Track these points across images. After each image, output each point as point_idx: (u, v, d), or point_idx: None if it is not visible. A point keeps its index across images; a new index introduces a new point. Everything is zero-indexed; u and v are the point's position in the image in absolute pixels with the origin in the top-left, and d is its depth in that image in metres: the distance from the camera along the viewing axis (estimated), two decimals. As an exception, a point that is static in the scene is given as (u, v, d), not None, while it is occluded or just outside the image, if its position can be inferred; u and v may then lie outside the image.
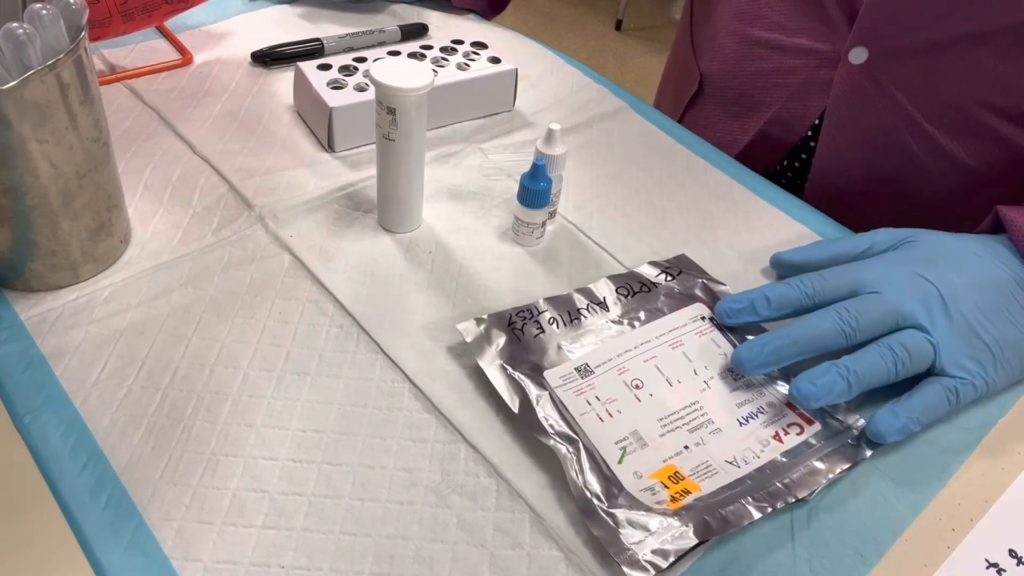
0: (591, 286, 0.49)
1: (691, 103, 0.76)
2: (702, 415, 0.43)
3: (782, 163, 0.71)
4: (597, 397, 0.43)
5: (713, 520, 0.37)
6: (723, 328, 0.48)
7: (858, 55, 0.60)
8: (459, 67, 0.63)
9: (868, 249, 0.49)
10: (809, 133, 0.67)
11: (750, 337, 0.47)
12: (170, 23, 0.70)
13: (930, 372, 0.44)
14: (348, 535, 0.37)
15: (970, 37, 0.56)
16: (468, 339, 0.44)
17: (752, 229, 0.57)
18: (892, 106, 0.61)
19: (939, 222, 0.54)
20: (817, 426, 0.43)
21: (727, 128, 0.72)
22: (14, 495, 0.36)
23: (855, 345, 0.44)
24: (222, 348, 0.44)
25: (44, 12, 0.40)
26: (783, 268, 0.52)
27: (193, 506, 0.37)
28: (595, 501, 0.38)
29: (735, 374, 0.45)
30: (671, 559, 0.35)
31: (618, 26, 2.69)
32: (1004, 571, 0.38)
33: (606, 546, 0.36)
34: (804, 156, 0.69)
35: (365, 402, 0.42)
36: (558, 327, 0.46)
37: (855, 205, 0.66)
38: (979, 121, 0.59)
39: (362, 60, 0.62)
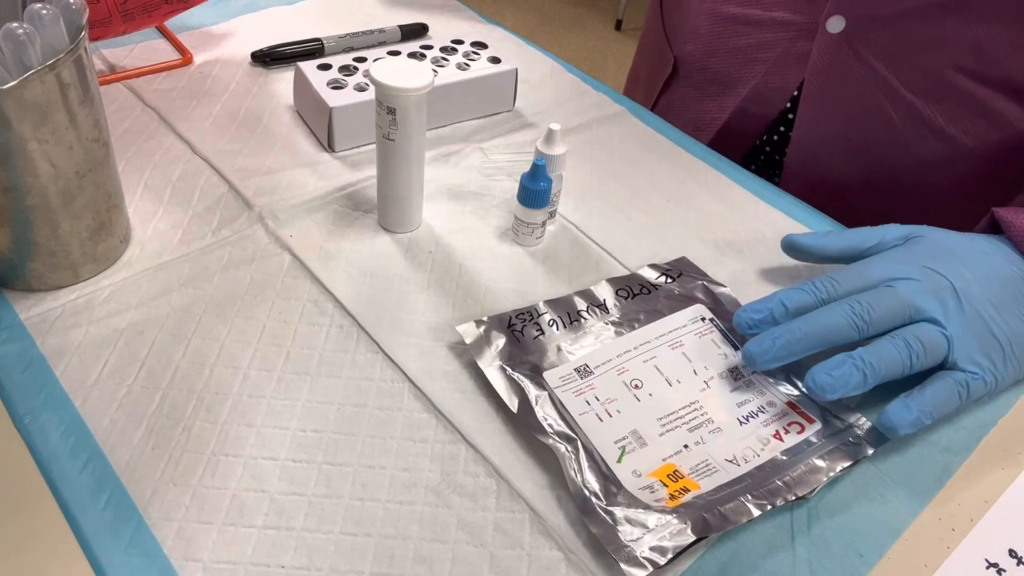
0: (591, 288, 0.49)
1: (665, 87, 0.76)
2: (702, 414, 0.43)
3: (761, 138, 0.71)
4: (596, 397, 0.43)
5: (712, 517, 0.37)
6: (723, 328, 0.48)
7: (835, 24, 0.60)
8: (459, 67, 0.63)
9: (878, 243, 0.49)
10: (788, 105, 0.67)
11: (756, 336, 0.47)
12: (170, 23, 0.70)
13: (942, 366, 0.44)
14: (348, 535, 0.37)
15: (947, 3, 0.56)
16: (467, 340, 0.44)
17: (752, 229, 0.57)
18: (870, 74, 0.61)
19: (919, 194, 0.54)
20: (818, 424, 0.43)
21: (704, 109, 0.72)
22: (14, 495, 0.36)
23: (866, 339, 0.43)
24: (222, 348, 0.44)
25: (44, 12, 0.40)
26: (794, 251, 0.52)
27: (193, 506, 0.37)
28: (593, 499, 0.38)
29: (735, 374, 0.45)
30: (669, 555, 0.35)
31: (618, 26, 2.69)
32: (1004, 571, 0.38)
33: (604, 543, 0.36)
34: (783, 129, 0.69)
35: (365, 402, 0.42)
36: (558, 329, 0.46)
37: (836, 180, 0.66)
38: (956, 87, 0.59)
39: (362, 60, 0.62)
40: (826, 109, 0.64)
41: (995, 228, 0.51)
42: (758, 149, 0.72)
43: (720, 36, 0.68)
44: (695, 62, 0.72)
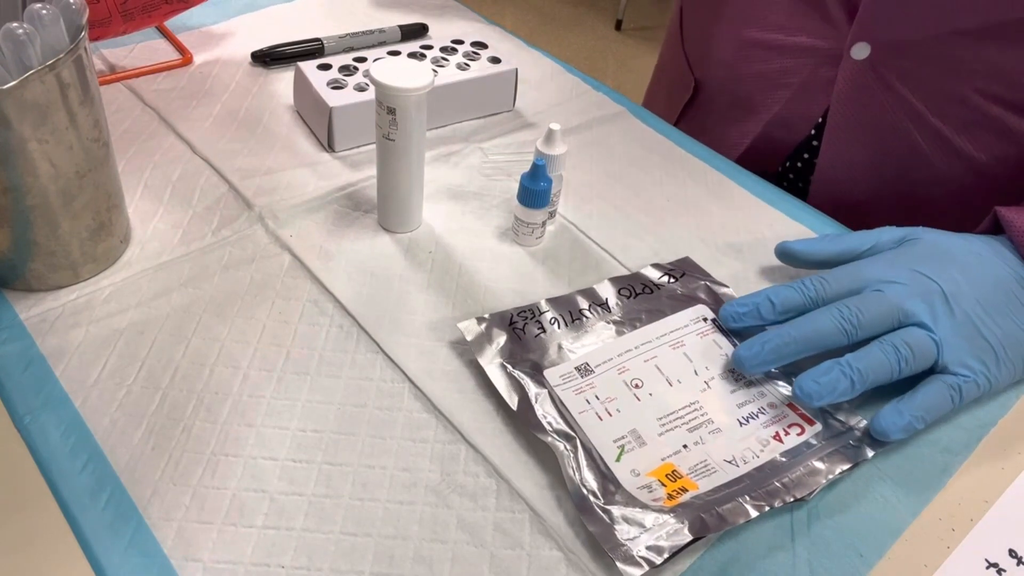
0: (593, 287, 0.49)
1: (685, 110, 0.76)
2: (702, 415, 0.43)
3: (784, 164, 0.71)
4: (596, 396, 0.43)
5: (709, 517, 0.37)
6: (724, 329, 0.48)
7: (860, 51, 0.60)
8: (459, 67, 0.63)
9: (873, 247, 0.49)
10: (812, 132, 0.67)
11: (746, 340, 0.47)
12: (170, 23, 0.70)
13: (932, 370, 0.44)
14: (348, 535, 0.37)
15: (973, 30, 0.55)
16: (469, 338, 0.45)
17: (752, 230, 0.57)
18: (897, 101, 0.61)
19: (947, 220, 0.53)
20: (818, 426, 0.43)
21: (726, 133, 0.71)
22: (14, 495, 0.36)
23: (856, 343, 0.43)
24: (222, 348, 0.44)
25: (44, 12, 0.40)
26: (788, 258, 0.52)
27: (193, 506, 0.37)
28: (591, 498, 0.38)
29: (736, 375, 0.45)
30: (666, 555, 0.35)
31: (618, 26, 2.69)
32: (1004, 571, 0.38)
33: (601, 542, 0.36)
34: (807, 156, 0.69)
35: (365, 402, 0.42)
36: (559, 327, 0.46)
37: (861, 204, 0.66)
38: (985, 113, 0.59)
39: (362, 60, 0.62)
40: (852, 135, 0.64)
41: (996, 228, 0.51)
42: (781, 176, 0.72)
43: (743, 61, 0.68)
44: (717, 86, 0.71)
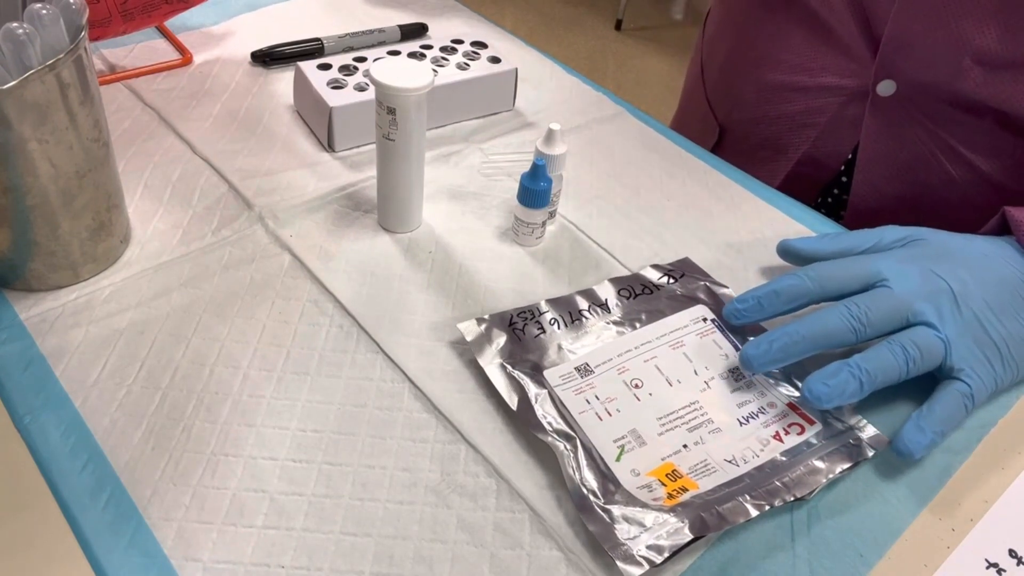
0: (593, 288, 0.49)
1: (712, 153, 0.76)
2: (702, 415, 0.43)
3: (815, 200, 0.70)
4: (596, 396, 0.43)
5: (709, 516, 0.37)
6: (725, 329, 0.48)
7: (886, 88, 0.60)
8: (459, 67, 0.63)
9: (875, 245, 0.49)
10: (841, 168, 0.67)
11: (753, 339, 0.47)
12: (170, 23, 0.70)
13: (940, 369, 0.44)
14: (348, 535, 0.37)
15: (992, 62, 0.55)
16: (469, 338, 0.45)
17: (752, 229, 0.57)
18: (927, 135, 0.60)
19: None
20: (818, 426, 0.43)
21: (755, 175, 0.71)
22: (14, 495, 0.36)
23: (863, 340, 0.43)
24: (222, 348, 0.44)
25: (44, 12, 0.40)
26: (790, 256, 0.52)
27: (193, 506, 0.37)
28: (591, 497, 0.38)
29: (736, 374, 0.45)
30: (666, 554, 0.35)
31: (618, 26, 2.69)
32: (1004, 571, 0.38)
33: (601, 541, 0.36)
34: (836, 191, 0.68)
35: (365, 402, 0.42)
36: (559, 328, 0.46)
37: None
38: (1012, 142, 0.59)
39: (362, 60, 0.62)
40: (884, 170, 0.63)
41: (1003, 229, 0.51)
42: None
43: (767, 103, 0.67)
44: (742, 129, 0.71)
